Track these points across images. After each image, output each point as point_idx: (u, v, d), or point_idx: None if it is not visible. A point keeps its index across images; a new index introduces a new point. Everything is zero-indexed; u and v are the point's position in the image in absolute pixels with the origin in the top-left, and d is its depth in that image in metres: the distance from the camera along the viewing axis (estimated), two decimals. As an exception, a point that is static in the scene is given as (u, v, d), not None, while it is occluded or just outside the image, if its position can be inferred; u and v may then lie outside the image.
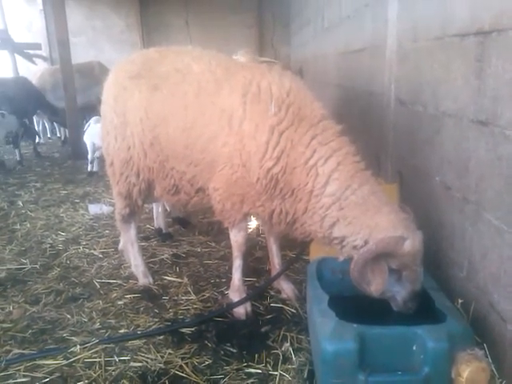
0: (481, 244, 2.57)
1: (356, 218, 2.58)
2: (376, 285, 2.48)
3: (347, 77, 5.91)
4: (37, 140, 10.48)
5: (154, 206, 4.87)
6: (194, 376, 2.67)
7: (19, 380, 2.71)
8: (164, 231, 4.89)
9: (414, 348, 2.21)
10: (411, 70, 3.60)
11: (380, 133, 4.36)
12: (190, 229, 5.12)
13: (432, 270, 2.88)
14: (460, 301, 2.62)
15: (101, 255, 4.49)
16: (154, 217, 4.94)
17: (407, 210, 2.66)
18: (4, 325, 3.29)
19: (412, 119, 3.57)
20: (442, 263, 3.06)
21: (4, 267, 4.27)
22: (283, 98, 2.85)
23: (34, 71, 12.38)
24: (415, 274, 2.48)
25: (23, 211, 5.99)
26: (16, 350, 2.99)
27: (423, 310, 2.51)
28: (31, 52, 13.46)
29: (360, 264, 2.42)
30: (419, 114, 3.40)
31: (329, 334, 2.25)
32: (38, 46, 13.60)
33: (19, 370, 2.79)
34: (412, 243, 2.40)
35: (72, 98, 9.30)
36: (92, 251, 4.58)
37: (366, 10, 4.88)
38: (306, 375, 2.63)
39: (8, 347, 3.02)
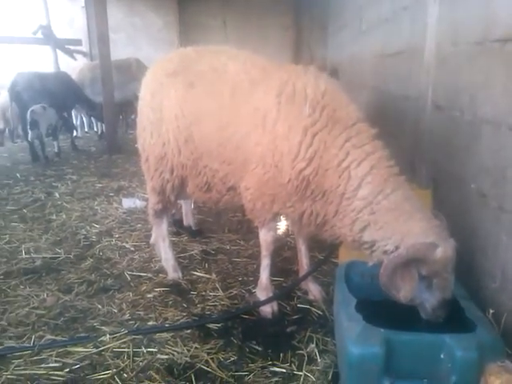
0: (515, 254, 2.51)
1: (387, 223, 2.56)
2: (405, 291, 2.45)
3: (383, 80, 5.85)
4: (74, 134, 10.76)
5: (184, 203, 4.93)
6: (219, 371, 2.71)
7: (51, 365, 2.80)
8: (194, 228, 4.96)
9: (442, 356, 2.18)
10: (449, 74, 3.54)
11: (415, 137, 4.30)
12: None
13: (463, 279, 2.83)
14: (491, 311, 2.57)
15: (132, 248, 4.58)
16: (184, 214, 5.01)
17: (440, 217, 2.62)
18: (38, 311, 3.41)
19: (448, 125, 3.51)
20: (474, 272, 3.00)
21: (40, 256, 4.41)
22: (318, 99, 2.84)
23: (73, 66, 12.71)
24: (446, 282, 2.44)
25: (59, 202, 6.17)
26: (49, 336, 3.10)
27: (453, 319, 2.47)
28: (72, 48, 13.81)
29: (390, 269, 2.40)
30: (456, 119, 3.35)
31: (355, 338, 2.24)
32: (78, 42, 13.96)
33: (51, 355, 2.89)
34: (444, 250, 2.36)
35: (110, 93, 9.51)
36: (124, 244, 4.68)
37: (404, 13, 4.81)
38: (330, 377, 2.63)
39: (41, 333, 3.13)
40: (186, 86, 3.33)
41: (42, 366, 2.79)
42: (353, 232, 2.70)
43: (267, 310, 3.30)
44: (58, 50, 13.33)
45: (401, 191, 2.62)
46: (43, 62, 13.08)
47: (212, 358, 2.83)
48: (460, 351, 2.11)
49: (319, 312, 3.33)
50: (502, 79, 2.66)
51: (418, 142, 4.21)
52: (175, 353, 2.89)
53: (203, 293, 3.66)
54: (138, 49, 13.95)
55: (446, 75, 3.62)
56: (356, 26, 7.72)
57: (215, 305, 3.48)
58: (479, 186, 2.96)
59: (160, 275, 3.96)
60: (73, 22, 14.41)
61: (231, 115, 3.10)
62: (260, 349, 2.93)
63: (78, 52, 14.06)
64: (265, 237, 3.30)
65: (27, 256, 4.40)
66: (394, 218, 2.56)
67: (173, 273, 3.91)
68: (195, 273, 4.00)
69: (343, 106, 2.87)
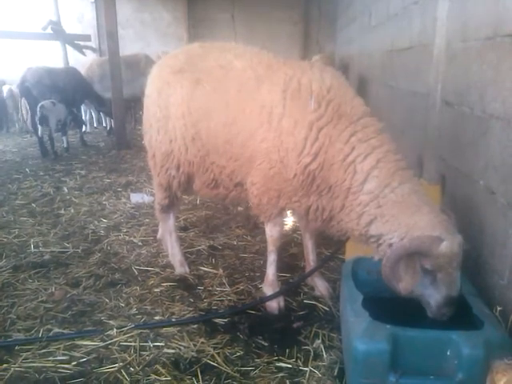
0: (524, 251, 2.49)
1: (394, 217, 2.55)
2: (406, 283, 2.44)
3: (392, 75, 5.81)
4: (83, 129, 10.80)
5: None
6: (225, 366, 2.72)
7: (59, 358, 2.83)
8: None
9: (449, 353, 2.17)
10: (459, 70, 3.51)
11: (424, 133, 4.27)
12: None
13: (471, 276, 2.81)
14: (499, 308, 2.55)
15: (140, 243, 4.60)
16: None
17: (448, 213, 2.61)
18: (46, 305, 3.44)
19: (457, 121, 3.48)
20: (481, 269, 2.98)
21: (48, 250, 4.44)
22: (323, 94, 2.84)
23: (82, 62, 12.75)
24: (450, 278, 2.41)
25: (68, 197, 6.20)
26: (56, 329, 3.12)
27: (460, 316, 2.46)
28: (81, 43, 13.85)
29: (392, 260, 2.39)
30: (465, 115, 3.32)
31: (361, 334, 2.24)
32: (87, 38, 13.99)
33: (59, 348, 2.92)
34: (449, 245, 2.34)
35: (118, 89, 9.51)
36: (132, 239, 4.70)
37: (414, 8, 4.78)
38: (336, 373, 2.63)
39: (49, 326, 3.16)
40: (192, 84, 3.32)
41: (50, 358, 2.82)
42: (359, 226, 2.70)
43: (273, 305, 3.30)
44: (67, 46, 13.38)
45: (408, 185, 2.62)
46: (53, 57, 13.13)
47: (218, 353, 2.84)
48: (467, 348, 2.11)
49: (325, 308, 3.33)
50: (512, 74, 2.63)
51: (427, 138, 4.18)
52: (181, 347, 2.91)
53: (210, 288, 3.67)
54: (146, 44, 13.98)
55: (455, 71, 3.59)
56: (365, 21, 7.68)
57: (222, 300, 3.49)
58: (488, 182, 2.94)
59: (167, 270, 3.97)
60: (82, 18, 14.45)
61: (237, 112, 3.10)
62: (266, 344, 2.93)
63: (87, 47, 14.10)
64: (271, 232, 3.30)
65: (36, 250, 4.43)
66: (400, 212, 2.55)
67: (180, 268, 3.92)
68: (202, 268, 4.02)
69: (349, 101, 2.87)
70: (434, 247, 2.33)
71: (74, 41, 13.55)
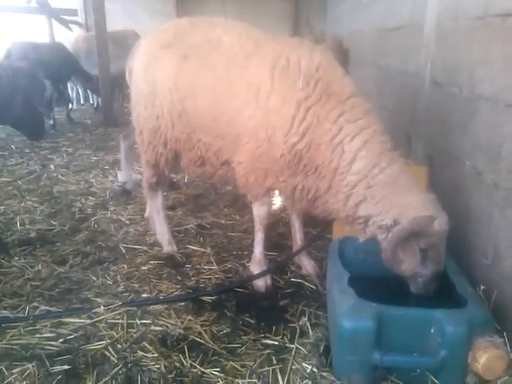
0: (508, 232, 2.52)
1: (385, 197, 2.56)
2: (408, 264, 2.47)
3: (382, 55, 5.77)
4: (70, 106, 10.62)
5: None
6: (212, 343, 2.74)
7: (45, 335, 2.82)
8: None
9: (432, 331, 2.21)
10: (449, 50, 3.49)
11: (412, 114, 4.27)
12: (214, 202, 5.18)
13: (456, 255, 2.85)
14: (482, 287, 2.60)
15: (128, 221, 4.58)
16: None
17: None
18: (33, 282, 3.42)
19: (446, 101, 3.48)
20: (466, 249, 3.02)
21: (34, 227, 4.40)
22: (312, 72, 2.80)
23: (69, 37, 12.47)
24: (440, 254, 2.48)
25: (54, 175, 6.13)
26: (43, 307, 3.11)
27: (444, 294, 2.50)
28: (67, 18, 13.52)
29: (393, 243, 2.41)
30: (454, 96, 3.32)
31: (347, 311, 2.27)
32: (74, 12, 13.65)
33: (46, 325, 2.91)
34: (441, 223, 2.40)
35: (105, 65, 9.33)
36: (119, 217, 4.67)
37: (406, -14, 4.72)
38: (321, 350, 2.66)
39: (36, 303, 3.14)
40: (179, 59, 3.25)
41: (37, 336, 2.81)
42: (347, 207, 2.70)
43: (260, 283, 3.32)
44: (53, 20, 13.05)
45: (396, 165, 2.63)
46: (38, 32, 12.81)
47: (205, 330, 2.85)
48: (450, 326, 2.15)
49: (312, 286, 3.36)
50: (502, 55, 2.63)
51: (415, 118, 4.19)
52: (169, 325, 2.91)
53: (198, 266, 3.67)
54: (134, 20, 13.64)
55: (445, 51, 3.58)
56: (356, -1, 7.59)
57: (209, 278, 3.50)
58: (474, 163, 2.96)
59: (155, 248, 3.96)
60: (68, -9, 14.08)
61: (225, 89, 3.05)
62: (253, 321, 2.95)
63: (74, 22, 13.76)
64: (258, 211, 3.30)
65: (22, 227, 4.39)
66: (391, 192, 2.56)
67: (167, 246, 3.91)
68: (190, 246, 4.01)
69: (337, 80, 2.84)
70: (430, 226, 2.37)
71: (59, 15, 13.21)
